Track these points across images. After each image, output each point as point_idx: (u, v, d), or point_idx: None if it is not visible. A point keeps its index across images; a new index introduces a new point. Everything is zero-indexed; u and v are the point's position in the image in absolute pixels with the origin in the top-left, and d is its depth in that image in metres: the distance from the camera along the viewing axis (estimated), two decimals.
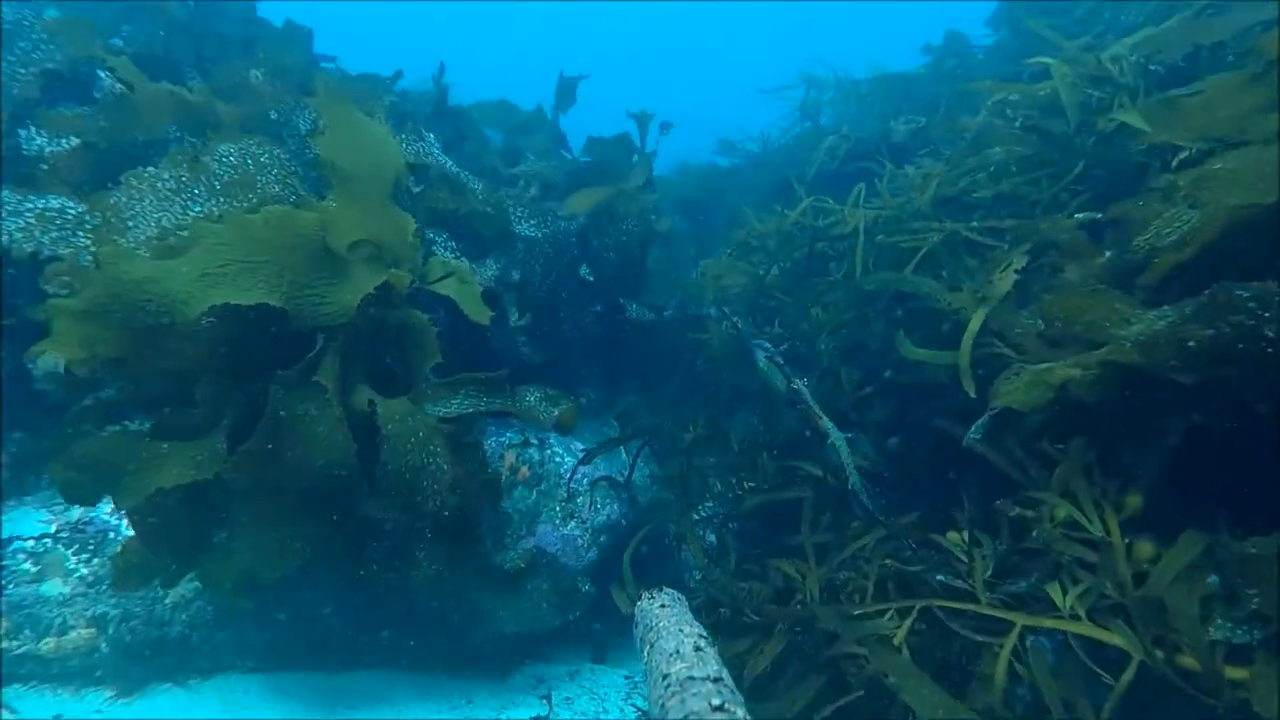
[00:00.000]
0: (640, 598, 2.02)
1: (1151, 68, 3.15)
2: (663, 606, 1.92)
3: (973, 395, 2.49)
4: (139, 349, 2.41)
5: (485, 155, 4.82)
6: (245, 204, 2.93)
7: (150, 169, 2.91)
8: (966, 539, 2.35)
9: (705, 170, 7.68)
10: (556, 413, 3.20)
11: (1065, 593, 2.04)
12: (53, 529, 2.96)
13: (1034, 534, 2.19)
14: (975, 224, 3.15)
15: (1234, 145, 2.41)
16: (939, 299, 2.85)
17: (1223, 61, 3.02)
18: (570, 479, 3.34)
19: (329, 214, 2.78)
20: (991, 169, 3.39)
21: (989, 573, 2.23)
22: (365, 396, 2.66)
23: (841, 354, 3.38)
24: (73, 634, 2.84)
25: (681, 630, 1.76)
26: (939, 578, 2.27)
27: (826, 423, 2.84)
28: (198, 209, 2.88)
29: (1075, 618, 1.98)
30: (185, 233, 2.59)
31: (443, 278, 3.18)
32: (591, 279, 4.08)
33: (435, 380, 3.00)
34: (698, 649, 1.67)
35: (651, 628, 1.82)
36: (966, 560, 2.29)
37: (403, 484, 2.60)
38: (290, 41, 4.70)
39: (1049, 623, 1.99)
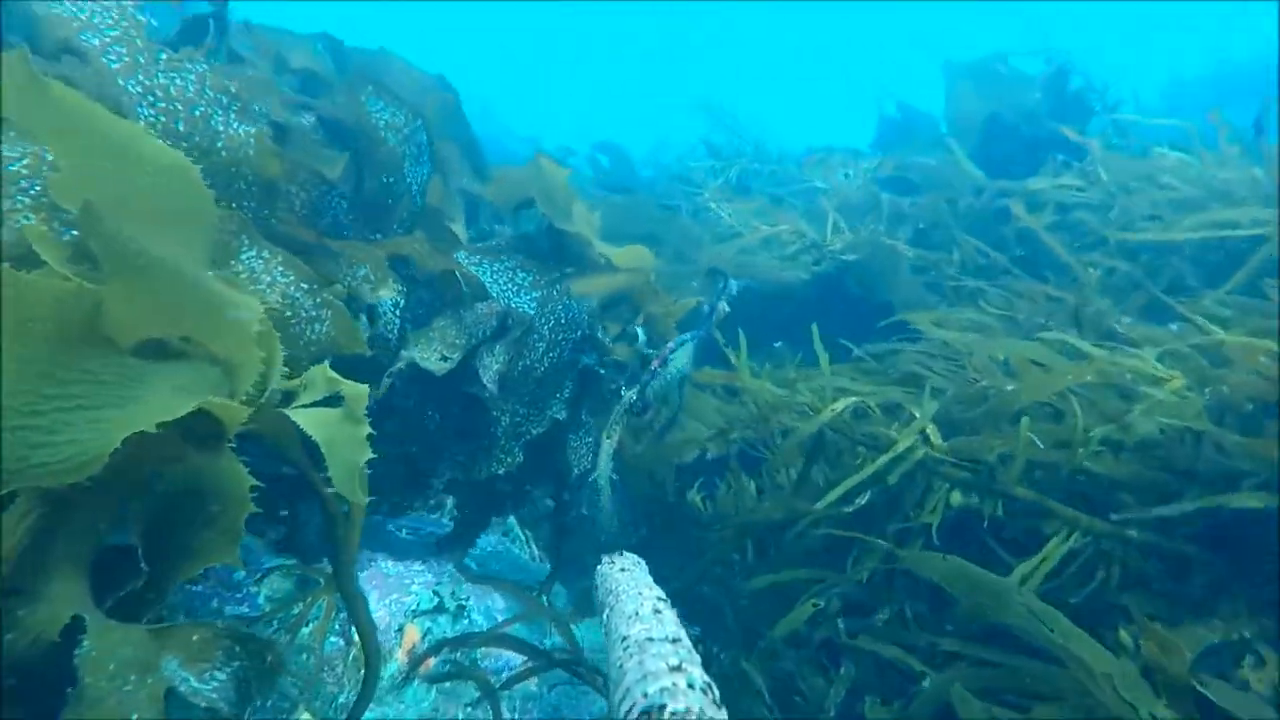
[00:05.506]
0: (601, 562, 2.00)
1: None
2: (623, 570, 1.88)
3: None
4: None
5: None
6: None
7: None
8: None
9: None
10: None
11: None
12: None
13: None
14: None
15: None
16: None
17: None
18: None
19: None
20: None
21: None
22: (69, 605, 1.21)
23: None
24: None
25: (640, 593, 1.71)
26: None
27: (603, 452, 2.33)
28: None
29: None
30: None
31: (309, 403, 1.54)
32: None
33: None
34: (656, 611, 1.62)
35: (611, 591, 1.78)
36: None
37: None
38: None
39: None
